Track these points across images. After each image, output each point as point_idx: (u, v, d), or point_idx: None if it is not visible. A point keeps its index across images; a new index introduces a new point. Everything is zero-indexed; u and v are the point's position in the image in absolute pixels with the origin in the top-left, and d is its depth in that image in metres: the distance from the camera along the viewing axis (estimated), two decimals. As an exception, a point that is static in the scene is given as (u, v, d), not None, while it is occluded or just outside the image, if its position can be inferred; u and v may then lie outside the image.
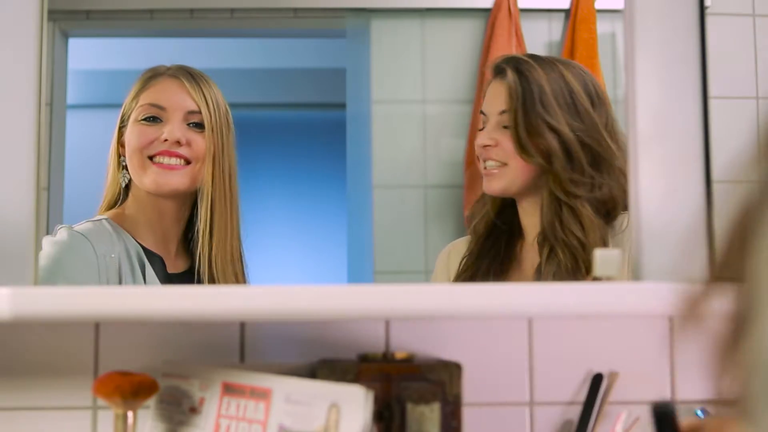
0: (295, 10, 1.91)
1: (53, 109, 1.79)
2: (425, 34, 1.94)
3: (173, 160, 1.41)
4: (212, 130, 1.41)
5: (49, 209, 1.68)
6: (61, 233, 1.35)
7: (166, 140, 1.40)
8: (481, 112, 1.44)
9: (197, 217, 1.42)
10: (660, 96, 1.04)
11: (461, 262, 1.44)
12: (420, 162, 1.91)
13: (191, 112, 1.42)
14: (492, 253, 1.42)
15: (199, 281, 1.42)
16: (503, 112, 1.39)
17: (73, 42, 1.85)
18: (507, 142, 1.38)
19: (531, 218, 1.40)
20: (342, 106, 1.89)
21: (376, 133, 1.90)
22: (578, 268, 1.31)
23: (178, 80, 1.43)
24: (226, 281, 1.41)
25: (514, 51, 1.87)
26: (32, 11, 1.05)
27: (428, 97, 1.93)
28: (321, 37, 2.06)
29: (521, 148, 1.36)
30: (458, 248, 1.48)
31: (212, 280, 1.41)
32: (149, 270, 1.38)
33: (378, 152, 1.89)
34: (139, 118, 1.43)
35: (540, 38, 1.94)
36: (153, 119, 1.42)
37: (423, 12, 1.93)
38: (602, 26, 1.88)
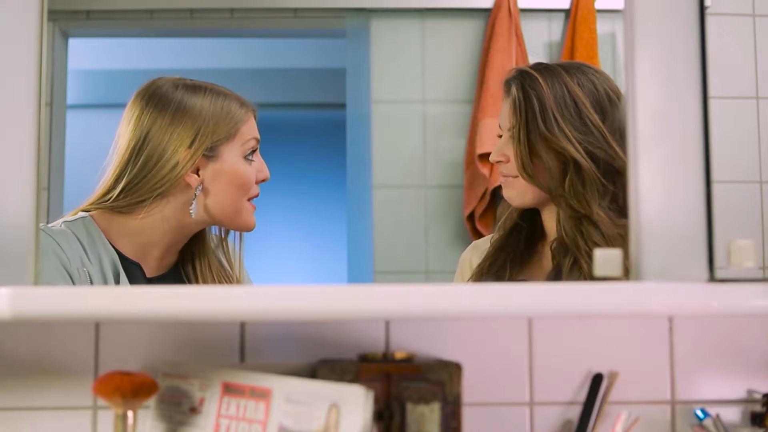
0: (296, 10, 1.91)
1: (53, 109, 1.79)
2: (425, 34, 1.94)
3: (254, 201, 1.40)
4: None
5: (49, 209, 1.68)
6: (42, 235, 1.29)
7: (264, 180, 1.39)
8: (500, 126, 1.45)
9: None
10: (660, 96, 1.04)
11: (485, 253, 1.45)
12: (420, 162, 1.91)
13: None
14: (512, 245, 1.43)
15: (186, 277, 1.40)
16: (510, 128, 1.39)
17: (73, 42, 1.85)
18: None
19: (552, 223, 1.40)
20: (342, 106, 1.89)
21: (376, 133, 1.90)
22: None
23: (254, 114, 1.40)
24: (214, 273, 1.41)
25: (514, 51, 1.87)
26: (32, 11, 1.05)
27: (428, 97, 1.93)
28: (321, 37, 2.06)
29: (524, 169, 1.36)
30: (480, 246, 1.50)
31: (200, 277, 1.40)
32: (123, 279, 1.33)
33: (378, 152, 1.89)
34: (246, 155, 1.37)
35: (540, 38, 1.94)
36: (252, 157, 1.38)
37: (423, 12, 1.93)
38: (602, 26, 1.88)
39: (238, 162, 1.36)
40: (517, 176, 1.39)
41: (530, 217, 1.44)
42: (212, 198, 1.35)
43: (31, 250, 1.03)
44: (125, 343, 1.04)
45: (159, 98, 1.35)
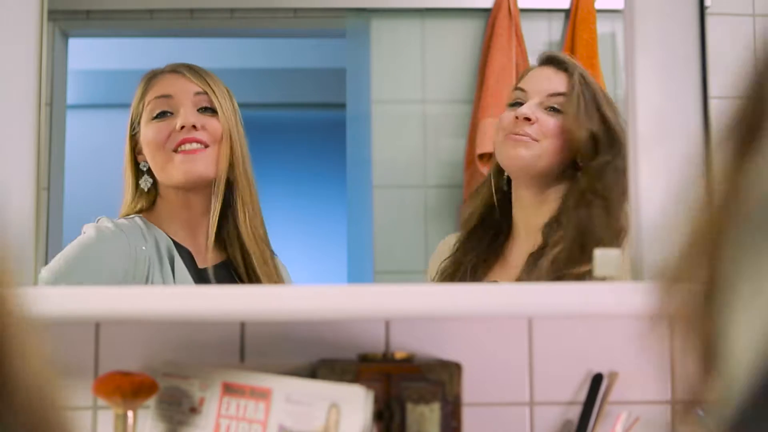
0: (295, 10, 1.91)
1: (53, 109, 1.79)
2: (425, 34, 1.94)
3: (194, 145, 1.42)
4: (223, 112, 1.43)
5: (49, 209, 1.68)
6: (103, 222, 1.40)
7: (183, 127, 1.41)
8: (519, 89, 1.44)
9: (229, 208, 1.44)
10: (660, 96, 1.04)
11: (447, 256, 1.44)
12: (420, 162, 1.91)
13: (198, 94, 1.43)
14: (477, 249, 1.43)
15: (235, 272, 1.42)
16: (555, 95, 1.39)
17: (73, 42, 1.85)
18: (548, 124, 1.38)
19: (526, 210, 1.39)
20: (342, 106, 1.89)
21: (376, 133, 1.90)
22: (582, 255, 1.28)
23: (179, 72, 1.45)
24: (260, 268, 1.42)
25: (514, 51, 1.87)
26: (32, 11, 1.05)
27: (428, 97, 1.93)
28: (321, 37, 2.06)
29: (576, 125, 1.36)
30: (448, 243, 1.49)
31: (248, 268, 1.42)
32: (179, 263, 1.40)
33: (378, 152, 1.89)
34: (152, 117, 1.43)
35: (540, 38, 1.94)
36: (164, 114, 1.43)
37: (423, 12, 1.93)
38: (602, 26, 1.88)
39: (146, 127, 1.44)
40: (538, 140, 1.38)
41: (498, 213, 1.43)
42: (150, 165, 1.45)
43: (31, 250, 1.03)
44: (125, 343, 1.04)
45: None
